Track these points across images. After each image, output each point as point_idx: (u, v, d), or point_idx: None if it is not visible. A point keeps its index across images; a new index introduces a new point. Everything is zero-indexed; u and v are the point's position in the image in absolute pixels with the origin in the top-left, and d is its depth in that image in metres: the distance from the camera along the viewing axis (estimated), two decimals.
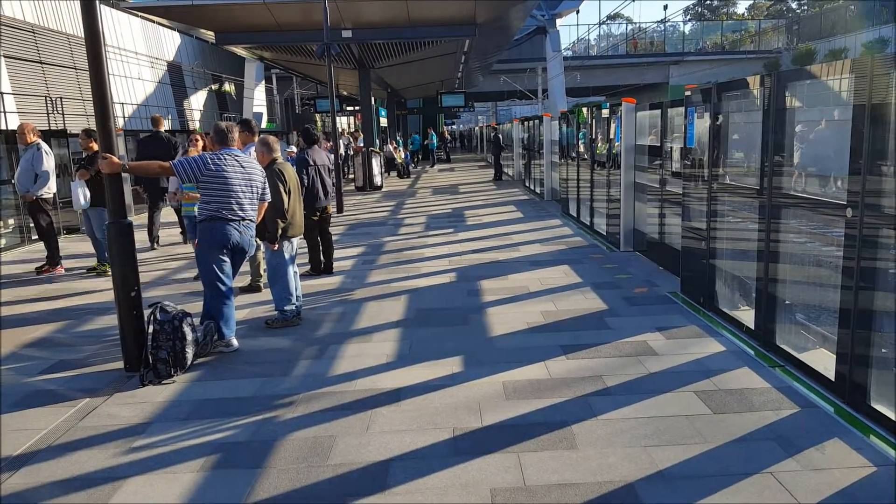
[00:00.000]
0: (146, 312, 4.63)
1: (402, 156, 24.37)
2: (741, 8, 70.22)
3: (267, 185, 5.30)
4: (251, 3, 17.17)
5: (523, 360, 4.68)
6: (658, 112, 7.53)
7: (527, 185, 18.23)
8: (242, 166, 5.04)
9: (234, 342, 5.06)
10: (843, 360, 3.76)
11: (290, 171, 5.84)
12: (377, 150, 19.56)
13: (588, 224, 10.32)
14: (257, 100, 33.37)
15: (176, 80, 29.17)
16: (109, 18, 24.23)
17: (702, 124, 5.71)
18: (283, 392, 4.22)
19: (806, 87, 4.64)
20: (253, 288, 6.86)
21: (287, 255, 5.69)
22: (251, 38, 18.32)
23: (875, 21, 30.48)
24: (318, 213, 7.54)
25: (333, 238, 7.93)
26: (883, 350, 3.60)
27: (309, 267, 7.77)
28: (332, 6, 15.88)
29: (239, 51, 21.66)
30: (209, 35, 18.73)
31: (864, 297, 3.58)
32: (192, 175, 4.86)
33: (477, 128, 48.25)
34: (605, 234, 9.34)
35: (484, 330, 5.45)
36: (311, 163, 7.43)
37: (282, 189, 5.58)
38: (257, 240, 6.08)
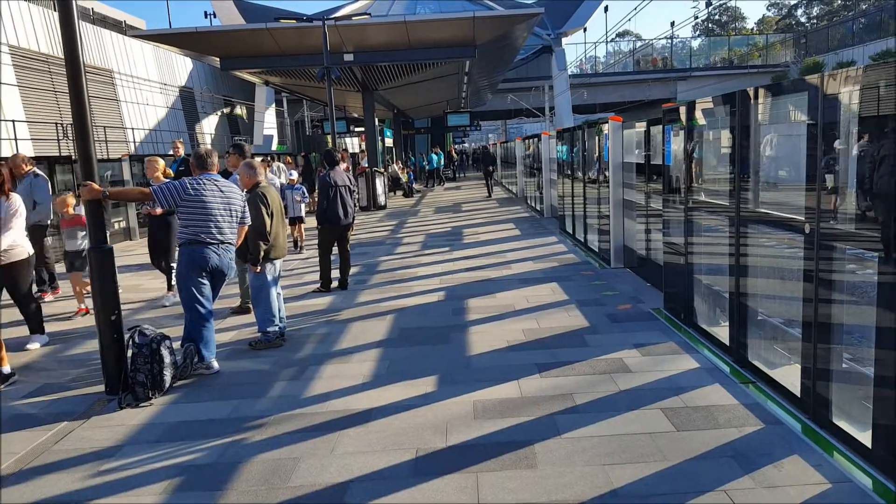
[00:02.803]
0: (125, 336, 4.73)
1: (408, 176, 24.54)
2: (750, 23, 69.96)
3: (247, 208, 5.41)
4: (254, 28, 17.58)
5: (497, 379, 4.70)
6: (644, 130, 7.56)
7: (528, 202, 18.29)
8: (221, 190, 5.16)
9: (215, 364, 5.14)
10: (807, 375, 3.74)
11: (273, 194, 5.95)
12: (381, 170, 19.75)
13: (582, 241, 10.33)
14: (268, 123, 33.94)
15: (188, 105, 29.77)
16: (122, 46, 24.87)
17: (679, 141, 5.75)
18: (256, 414, 4.28)
19: (777, 105, 4.67)
20: (243, 309, 6.96)
21: (270, 277, 5.78)
22: (255, 62, 18.71)
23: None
24: (339, 232, 7.93)
25: (333, 258, 8.06)
26: (844, 365, 3.59)
27: (319, 285, 7.93)
28: (333, 31, 16.21)
29: (245, 75, 22.09)
30: (217, 60, 19.15)
31: (824, 311, 3.58)
32: (172, 200, 4.98)
33: (490, 145, 48.61)
34: (597, 250, 9.35)
35: (463, 349, 5.48)
36: (333, 184, 7.76)
37: (264, 212, 5.69)
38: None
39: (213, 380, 4.98)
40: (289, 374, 5.04)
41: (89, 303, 7.10)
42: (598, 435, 3.74)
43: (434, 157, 28.96)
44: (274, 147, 32.73)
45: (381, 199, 19.02)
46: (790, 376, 4.05)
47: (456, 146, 51.92)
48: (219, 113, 33.16)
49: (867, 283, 3.24)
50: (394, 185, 23.70)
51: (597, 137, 9.19)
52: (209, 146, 29.21)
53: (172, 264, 7.49)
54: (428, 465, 3.51)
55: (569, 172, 11.24)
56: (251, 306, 6.11)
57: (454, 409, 4.24)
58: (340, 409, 4.30)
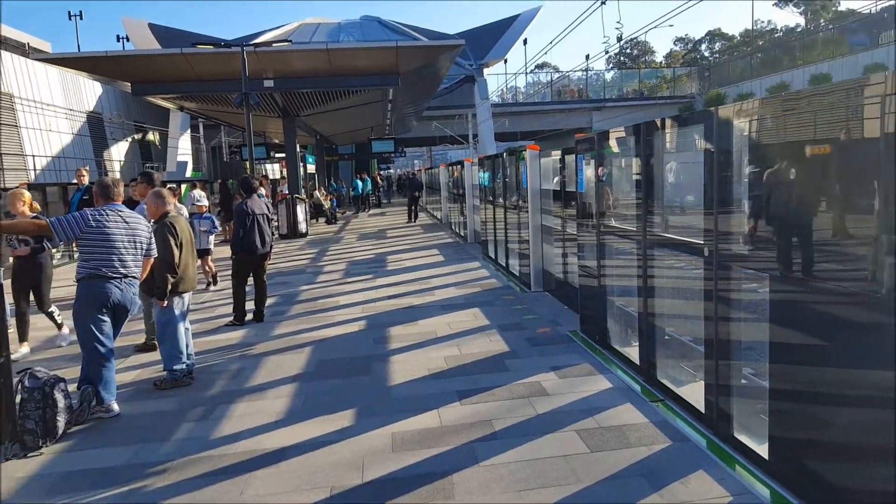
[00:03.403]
0: (14, 380, 4.35)
1: (331, 203, 24.23)
2: (659, 56, 74.32)
3: (153, 239, 5.16)
4: (169, 53, 17.04)
5: (417, 409, 4.64)
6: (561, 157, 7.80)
7: (453, 228, 18.44)
8: (126, 221, 4.90)
9: (115, 407, 4.81)
10: (710, 391, 3.90)
11: (183, 224, 5.71)
12: (302, 196, 19.41)
13: (504, 266, 10.48)
14: (182, 149, 32.80)
15: (96, 131, 28.35)
16: (24, 69, 23.50)
17: (591, 169, 5.96)
18: (159, 459, 4.02)
19: (676, 136, 4.93)
20: (149, 347, 6.58)
21: (177, 312, 5.51)
22: (169, 88, 18.08)
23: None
24: (256, 261, 7.70)
25: (248, 288, 7.79)
26: (743, 380, 3.77)
27: (232, 318, 7.62)
28: (253, 57, 15.94)
29: (159, 101, 21.31)
30: (128, 85, 18.38)
31: (724, 329, 3.75)
32: (71, 232, 4.68)
33: (416, 172, 48.93)
34: (518, 275, 9.51)
35: (384, 379, 5.39)
36: (250, 212, 7.54)
37: (172, 242, 5.43)
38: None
39: (113, 423, 4.65)
40: (196, 414, 4.78)
41: None
42: (516, 461, 3.74)
43: (359, 183, 28.79)
44: (188, 174, 31.60)
45: (303, 227, 18.66)
46: (696, 393, 4.21)
47: (381, 172, 51.93)
48: (129, 139, 31.74)
49: (764, 301, 3.42)
50: (316, 211, 23.35)
51: (516, 165, 9.41)
52: (117, 174, 27.90)
53: (52, 309, 6.88)
54: (342, 503, 3.40)
55: (491, 199, 11.43)
56: (157, 343, 5.79)
57: (372, 442, 4.14)
58: (251, 450, 4.11)
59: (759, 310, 3.70)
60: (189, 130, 33.66)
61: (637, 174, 4.90)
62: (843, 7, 53.72)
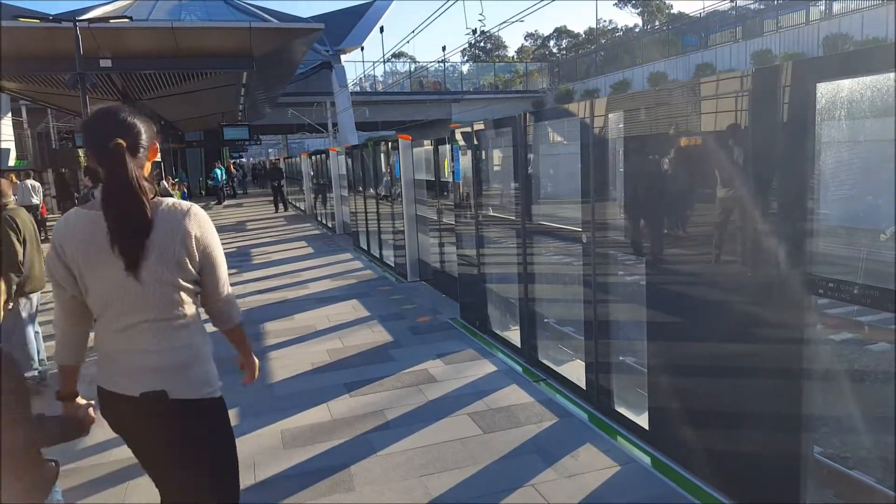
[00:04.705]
0: None
1: (181, 193, 22.60)
2: (511, 51, 77.57)
3: None
4: None
5: (305, 404, 4.53)
6: (432, 148, 7.92)
7: (319, 219, 18.03)
8: None
9: None
10: (591, 369, 4.20)
11: (25, 218, 5.07)
12: None
13: (378, 256, 10.46)
14: (3, 135, 28.82)
15: None
16: None
17: (467, 160, 6.12)
18: None
19: (550, 128, 5.21)
20: None
21: (25, 314, 4.90)
22: None
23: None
24: None
25: None
26: (620, 357, 4.10)
27: None
28: (87, 34, 14.41)
29: None
30: None
31: (601, 310, 4.06)
32: None
33: (274, 160, 46.91)
34: (393, 265, 9.54)
35: (265, 376, 5.17)
36: None
37: (14, 238, 4.80)
38: None
39: None
40: None
41: None
42: (413, 448, 3.79)
43: (218, 171, 27.05)
44: (11, 162, 27.88)
45: None
46: (576, 371, 4.52)
47: (233, 161, 49.23)
48: None
49: (640, 284, 3.72)
50: None
51: (383, 154, 9.40)
52: None
53: None
54: None
55: (361, 189, 11.32)
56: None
57: (261, 441, 3.98)
58: (128, 457, 3.72)
59: (634, 292, 4.05)
60: (10, 114, 29.65)
61: (515, 165, 5.11)
62: (675, 10, 59.56)
